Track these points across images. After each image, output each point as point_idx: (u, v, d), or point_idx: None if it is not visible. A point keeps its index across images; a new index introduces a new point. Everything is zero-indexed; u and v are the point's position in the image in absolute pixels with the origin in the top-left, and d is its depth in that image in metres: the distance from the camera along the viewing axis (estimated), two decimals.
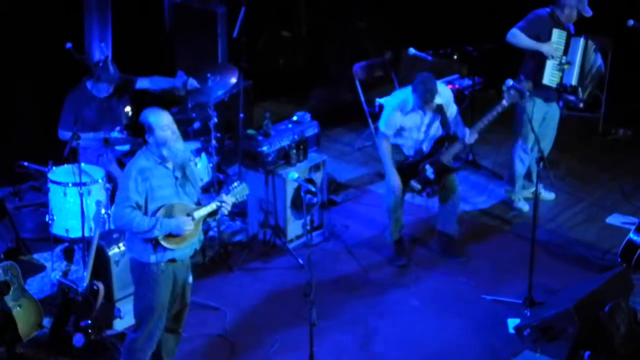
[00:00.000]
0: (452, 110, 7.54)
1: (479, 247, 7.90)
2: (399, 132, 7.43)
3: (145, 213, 5.62)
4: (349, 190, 8.74)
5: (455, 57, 9.34)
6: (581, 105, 8.33)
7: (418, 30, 10.04)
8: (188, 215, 5.66)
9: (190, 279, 6.02)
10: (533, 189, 7.95)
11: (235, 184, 5.88)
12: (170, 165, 5.70)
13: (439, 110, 7.42)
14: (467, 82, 9.39)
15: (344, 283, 7.37)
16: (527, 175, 8.46)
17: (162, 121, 5.65)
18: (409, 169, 7.50)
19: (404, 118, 7.36)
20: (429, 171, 7.46)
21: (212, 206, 5.75)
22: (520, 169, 8.34)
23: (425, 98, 7.21)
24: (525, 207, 8.43)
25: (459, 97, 9.33)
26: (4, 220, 7.85)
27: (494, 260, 7.67)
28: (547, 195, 8.61)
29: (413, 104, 7.30)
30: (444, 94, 7.45)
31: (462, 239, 7.84)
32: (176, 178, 5.71)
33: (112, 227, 6.70)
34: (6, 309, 6.13)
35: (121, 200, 5.61)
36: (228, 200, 5.77)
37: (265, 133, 7.78)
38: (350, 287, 7.33)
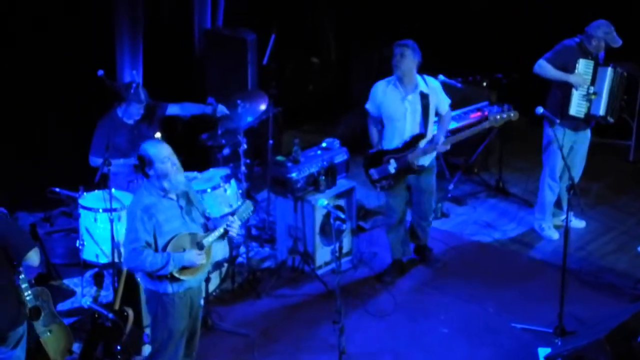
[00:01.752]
0: (442, 106, 7.46)
1: (509, 275, 7.84)
2: (386, 118, 7.42)
3: (156, 249, 5.62)
4: (378, 217, 8.72)
5: (484, 84, 9.32)
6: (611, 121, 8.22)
7: (447, 57, 10.03)
8: (198, 243, 5.67)
9: (202, 302, 6.03)
10: (563, 217, 7.93)
11: (239, 202, 5.90)
12: (173, 195, 5.69)
13: (424, 100, 7.29)
14: (496, 109, 9.35)
15: (372, 310, 7.35)
16: (557, 203, 8.41)
17: (162, 153, 5.62)
18: (375, 156, 7.49)
19: (385, 92, 7.37)
20: (392, 165, 7.40)
21: (220, 230, 5.77)
22: (549, 197, 8.29)
23: (395, 60, 7.21)
24: (555, 235, 8.37)
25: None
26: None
27: (524, 289, 7.61)
28: (578, 223, 8.54)
29: (393, 77, 7.34)
30: (430, 84, 7.37)
31: (466, 258, 7.91)
32: (181, 207, 5.71)
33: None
34: (36, 334, 6.15)
35: (130, 242, 5.60)
36: (235, 220, 5.78)
37: (295, 159, 7.80)
38: (379, 314, 7.30)
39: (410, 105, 7.32)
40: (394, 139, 7.41)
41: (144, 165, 5.62)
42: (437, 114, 7.51)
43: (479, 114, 9.32)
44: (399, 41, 7.29)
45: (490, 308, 7.35)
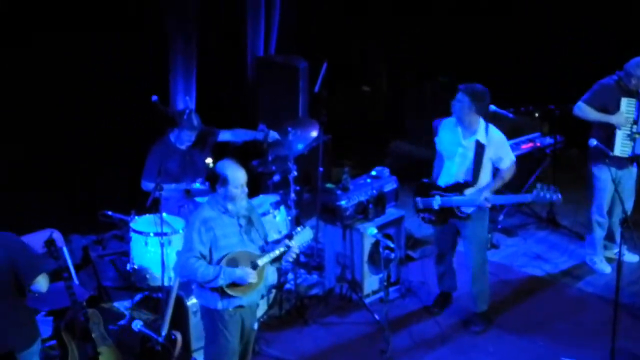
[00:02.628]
0: (502, 162, 7.14)
1: (559, 308, 7.75)
2: (441, 154, 7.29)
3: (210, 262, 5.68)
4: (427, 246, 8.68)
5: (536, 114, 9.26)
6: None
7: (499, 87, 9.99)
8: (252, 262, 5.70)
9: (256, 325, 6.06)
10: (616, 250, 7.82)
11: (299, 228, 5.92)
12: (233, 209, 5.76)
13: (479, 149, 7.07)
14: (548, 140, 9.30)
15: (420, 341, 7.29)
16: (609, 236, 8.30)
17: (239, 180, 5.73)
18: (426, 187, 7.31)
19: (446, 129, 7.23)
20: (436, 201, 7.21)
21: (276, 252, 5.80)
22: (598, 232, 8.20)
23: (452, 102, 7.05)
24: (607, 268, 8.26)
25: (540, 155, 9.26)
26: (87, 267, 8.01)
27: (575, 323, 7.51)
28: (631, 257, 8.41)
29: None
30: (492, 136, 7.11)
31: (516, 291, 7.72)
32: (240, 226, 5.78)
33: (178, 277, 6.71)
34: (90, 354, 6.20)
35: (185, 251, 5.72)
36: (293, 244, 5.80)
37: (344, 187, 7.80)
38: (427, 345, 7.24)
39: (463, 149, 7.14)
40: (444, 177, 7.30)
41: (216, 181, 5.73)
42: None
43: (530, 144, 9.26)
44: (462, 84, 7.08)
45: (540, 341, 7.25)
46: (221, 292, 5.70)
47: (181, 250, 5.82)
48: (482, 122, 7.11)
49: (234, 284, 5.69)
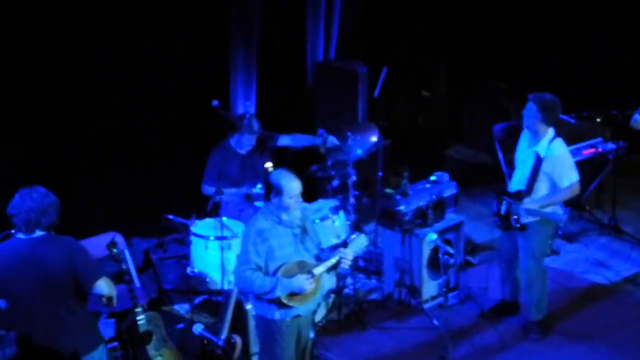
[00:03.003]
0: (560, 180, 6.97)
1: (621, 316, 7.64)
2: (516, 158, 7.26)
3: (266, 272, 5.68)
4: (486, 252, 8.63)
5: (598, 120, 9.16)
6: None
7: (561, 92, 9.90)
8: (308, 272, 5.71)
9: (312, 334, 6.05)
10: None
11: (354, 235, 5.91)
12: (287, 219, 5.76)
13: (537, 162, 6.97)
14: (610, 145, 9.18)
15: (479, 347, 7.24)
16: None
17: (294, 190, 5.70)
18: (502, 191, 7.25)
19: (522, 137, 7.21)
20: (504, 206, 7.14)
21: (332, 261, 5.78)
22: None
23: (523, 112, 7.00)
24: None
25: (601, 161, 9.15)
26: (148, 270, 8.11)
27: (637, 331, 7.40)
28: None
29: None
30: (552, 151, 6.97)
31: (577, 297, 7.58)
32: (295, 235, 5.77)
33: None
34: (151, 356, 6.29)
35: (241, 263, 5.69)
36: (348, 253, 5.80)
37: (403, 192, 7.80)
38: (486, 351, 7.20)
39: (525, 157, 7.12)
40: (512, 183, 7.27)
41: (271, 190, 5.70)
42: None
43: (592, 150, 9.15)
44: (532, 93, 7.01)
45: (601, 349, 7.16)
46: (278, 303, 5.69)
47: (237, 262, 5.80)
48: (550, 133, 7.03)
49: (291, 294, 5.69)
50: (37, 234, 5.40)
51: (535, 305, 7.35)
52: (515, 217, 7.05)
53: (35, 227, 5.38)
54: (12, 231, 5.48)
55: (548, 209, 7.00)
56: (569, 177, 7.00)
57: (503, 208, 7.16)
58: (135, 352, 6.26)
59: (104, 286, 5.53)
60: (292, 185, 5.70)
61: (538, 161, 6.97)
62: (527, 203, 7.01)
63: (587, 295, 8.03)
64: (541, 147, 6.99)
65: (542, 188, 7.03)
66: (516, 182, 7.19)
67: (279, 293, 5.63)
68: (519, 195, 7.06)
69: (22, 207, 5.35)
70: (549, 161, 6.97)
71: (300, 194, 5.77)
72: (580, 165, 8.98)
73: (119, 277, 6.41)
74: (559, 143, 7.04)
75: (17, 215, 5.35)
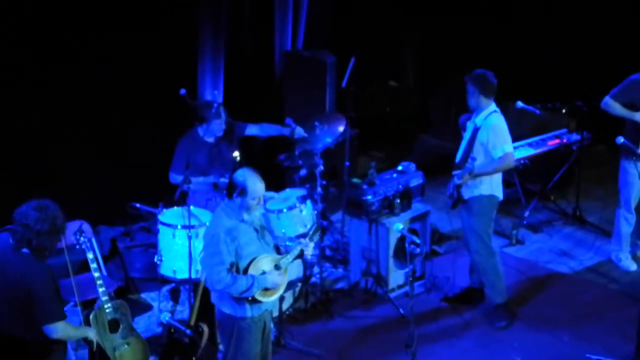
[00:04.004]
0: (492, 151, 7.07)
1: (584, 305, 7.75)
2: None
3: (237, 271, 5.69)
4: (452, 241, 8.70)
5: (563, 111, 9.24)
6: None
7: (525, 83, 9.99)
8: (275, 265, 5.74)
9: (271, 325, 6.09)
10: None
11: (309, 225, 5.93)
12: (248, 219, 5.76)
13: (474, 132, 7.13)
14: (575, 136, 9.28)
15: (445, 335, 7.32)
16: (638, 234, 8.27)
17: (258, 191, 5.68)
18: (455, 167, 7.34)
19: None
20: (451, 182, 7.29)
21: (295, 252, 5.83)
22: (625, 228, 8.17)
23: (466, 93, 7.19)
24: (633, 266, 8.25)
25: (566, 152, 9.25)
26: (114, 259, 8.09)
27: (600, 319, 7.51)
28: None
29: None
30: (488, 121, 7.08)
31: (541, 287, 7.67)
32: (256, 231, 5.78)
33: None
34: (117, 345, 6.27)
35: (216, 264, 5.63)
36: (308, 243, 5.85)
37: (370, 182, 7.84)
38: (451, 339, 7.28)
39: (467, 131, 7.30)
40: (456, 157, 7.39)
41: (234, 189, 5.66)
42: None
43: (557, 141, 9.25)
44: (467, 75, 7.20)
45: (564, 337, 7.26)
46: (250, 300, 5.70)
47: (210, 265, 5.71)
48: (491, 107, 7.16)
49: (264, 290, 5.71)
50: (23, 250, 5.37)
51: (491, 288, 7.45)
52: (452, 191, 7.19)
53: (25, 246, 5.34)
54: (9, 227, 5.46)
55: (485, 178, 7.10)
56: (502, 148, 7.07)
57: (450, 186, 7.27)
58: (102, 340, 6.25)
59: (58, 330, 5.44)
60: (256, 187, 5.68)
61: (474, 131, 7.12)
62: (457, 173, 7.14)
63: (551, 284, 8.13)
64: (479, 118, 7.14)
65: (479, 160, 7.11)
66: (458, 157, 7.31)
67: (255, 291, 5.64)
68: (456, 167, 7.20)
69: (22, 221, 5.30)
70: (484, 130, 7.07)
71: (263, 195, 5.76)
72: (545, 156, 9.14)
73: (86, 265, 6.41)
74: (497, 115, 7.16)
75: (15, 225, 5.31)
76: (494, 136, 7.07)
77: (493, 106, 7.18)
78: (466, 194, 7.23)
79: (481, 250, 7.32)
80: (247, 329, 5.76)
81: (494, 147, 7.07)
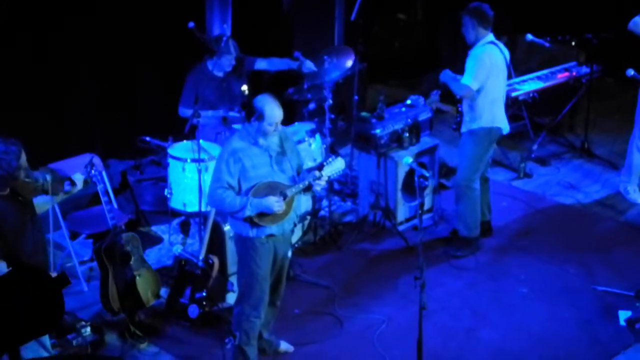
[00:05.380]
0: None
1: (591, 237, 7.80)
2: None
3: (239, 192, 5.75)
4: None
5: (573, 43, 9.18)
6: None
7: (535, 15, 9.91)
8: (281, 193, 5.78)
9: (290, 253, 6.16)
10: None
11: (330, 159, 5.96)
12: (264, 143, 5.81)
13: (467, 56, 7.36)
14: (584, 69, 9.24)
15: (452, 268, 7.40)
16: None
17: (275, 117, 5.73)
18: None
19: None
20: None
21: (305, 183, 5.85)
22: (637, 159, 8.17)
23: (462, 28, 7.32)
24: None
25: (575, 85, 9.22)
26: (125, 192, 8.16)
27: (606, 252, 7.56)
28: None
29: None
30: (472, 51, 7.22)
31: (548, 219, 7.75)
32: (270, 156, 5.82)
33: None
34: (129, 276, 6.38)
35: (213, 181, 5.79)
36: (322, 175, 5.87)
37: (379, 116, 7.83)
38: (459, 271, 7.35)
39: None
40: None
41: (253, 113, 5.74)
42: None
43: (566, 74, 9.22)
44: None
45: (571, 269, 7.33)
46: (251, 222, 5.78)
47: (211, 180, 5.87)
48: (487, 37, 7.18)
49: (262, 214, 5.76)
50: None
51: (461, 220, 7.53)
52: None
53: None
54: None
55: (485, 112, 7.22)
56: (467, 79, 7.15)
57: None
58: (114, 271, 6.34)
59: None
60: (274, 112, 5.73)
61: (466, 56, 7.21)
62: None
63: (558, 217, 8.18)
64: (474, 48, 7.19)
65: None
66: None
67: (248, 212, 5.71)
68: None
69: None
70: (469, 57, 7.19)
71: (280, 122, 5.79)
72: (554, 89, 9.12)
73: (97, 198, 6.47)
74: (488, 47, 7.17)
75: None
76: (470, 64, 7.16)
77: (490, 37, 7.20)
78: (465, 127, 7.33)
79: (462, 181, 7.42)
80: (252, 247, 5.85)
81: (465, 72, 7.18)
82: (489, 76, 7.13)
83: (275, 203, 5.72)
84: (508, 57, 7.30)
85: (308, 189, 5.91)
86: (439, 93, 7.51)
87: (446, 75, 7.31)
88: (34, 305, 5.23)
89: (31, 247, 5.47)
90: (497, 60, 7.17)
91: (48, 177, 5.76)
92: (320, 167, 5.94)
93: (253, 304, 5.96)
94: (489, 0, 7.30)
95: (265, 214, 5.76)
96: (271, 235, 5.88)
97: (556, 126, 9.48)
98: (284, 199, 5.77)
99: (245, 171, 5.73)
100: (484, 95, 7.16)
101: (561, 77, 9.17)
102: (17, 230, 5.42)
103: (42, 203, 5.73)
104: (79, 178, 5.89)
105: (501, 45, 7.23)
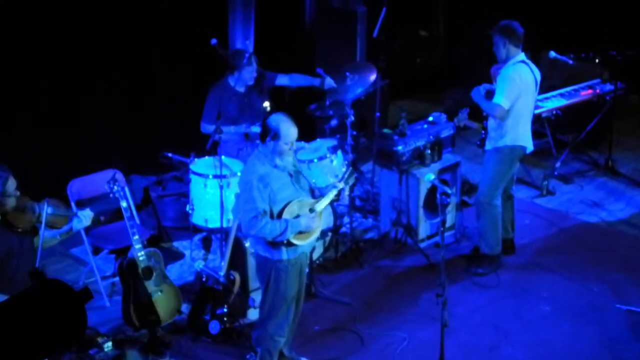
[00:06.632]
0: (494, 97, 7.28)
1: (615, 256, 7.74)
2: None
3: (271, 216, 5.74)
4: None
5: (597, 60, 9.14)
6: None
7: (559, 33, 9.88)
8: (310, 209, 5.78)
9: (307, 269, 6.17)
10: None
11: (343, 169, 5.97)
12: (280, 164, 5.80)
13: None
14: (608, 87, 9.20)
15: (475, 285, 7.36)
16: None
17: (290, 136, 5.73)
18: None
19: None
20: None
21: (330, 196, 5.88)
22: None
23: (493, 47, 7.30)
24: None
25: (599, 102, 9.17)
26: (147, 208, 8.18)
27: (631, 270, 7.49)
28: None
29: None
30: (508, 68, 7.15)
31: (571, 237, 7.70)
32: (290, 176, 5.83)
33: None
34: (151, 292, 6.39)
35: (249, 211, 5.70)
36: (341, 186, 5.91)
37: (401, 132, 7.83)
38: (481, 288, 7.31)
39: None
40: None
41: (268, 134, 5.72)
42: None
43: (590, 91, 9.17)
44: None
45: (594, 288, 7.27)
46: (286, 244, 5.76)
47: (243, 210, 5.77)
48: (519, 57, 7.15)
49: (298, 233, 5.76)
50: None
51: (483, 237, 7.49)
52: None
53: None
54: None
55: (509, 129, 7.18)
56: (499, 98, 7.11)
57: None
58: (135, 287, 6.35)
59: None
60: (289, 131, 5.72)
61: (489, 72, 7.26)
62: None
63: (581, 235, 8.12)
64: (505, 67, 7.17)
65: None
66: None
67: (289, 234, 5.69)
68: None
69: None
70: (499, 76, 7.16)
71: (295, 141, 5.79)
72: (578, 107, 9.08)
73: (120, 214, 6.49)
74: (518, 67, 7.14)
75: None
76: (501, 83, 7.13)
77: (521, 56, 7.16)
78: (489, 144, 7.30)
79: (483, 198, 7.39)
80: (284, 270, 5.84)
81: (497, 92, 7.14)
82: (519, 96, 7.10)
83: (312, 220, 5.75)
84: (539, 77, 7.26)
85: (336, 199, 5.94)
86: (467, 111, 7.47)
87: (477, 94, 7.27)
88: (58, 320, 5.25)
89: (18, 277, 5.47)
90: (527, 80, 7.15)
91: (50, 210, 5.79)
92: (340, 180, 5.98)
93: (279, 324, 5.97)
94: (512, 16, 7.29)
95: (301, 233, 5.76)
96: (302, 253, 5.89)
97: (579, 144, 9.42)
98: (315, 214, 5.78)
99: (274, 194, 5.72)
100: (512, 114, 7.14)
101: (585, 94, 9.13)
102: (2, 258, 5.42)
103: (49, 238, 5.74)
104: (87, 215, 5.92)
105: (532, 65, 7.20)
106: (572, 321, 6.87)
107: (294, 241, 5.75)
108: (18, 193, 5.64)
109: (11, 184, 5.54)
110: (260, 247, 5.87)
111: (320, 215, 5.86)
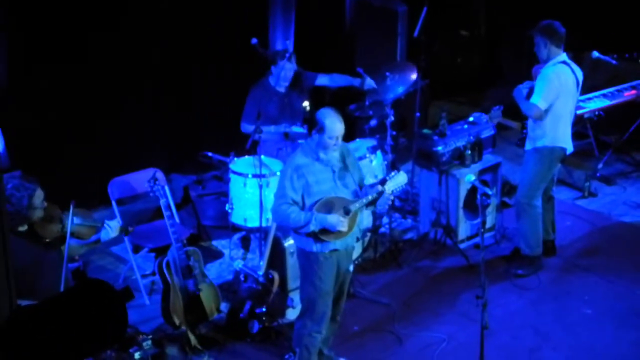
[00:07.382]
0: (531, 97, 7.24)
1: None
2: None
3: (303, 207, 5.75)
4: None
5: None
6: None
7: (602, 33, 9.77)
8: (345, 208, 5.76)
9: (351, 267, 6.14)
10: None
11: (393, 173, 5.94)
12: (324, 158, 5.80)
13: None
14: None
15: (515, 286, 7.30)
16: None
17: (336, 131, 5.74)
18: None
19: None
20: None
21: (369, 198, 5.83)
22: None
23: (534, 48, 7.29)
24: None
25: None
26: (187, 206, 8.22)
27: None
28: None
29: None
30: (547, 68, 7.11)
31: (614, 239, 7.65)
32: (333, 171, 5.82)
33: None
34: (191, 291, 6.42)
35: (278, 197, 5.79)
36: (386, 190, 5.85)
37: (441, 133, 7.79)
38: (521, 290, 7.25)
39: None
40: None
41: (314, 126, 5.78)
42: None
43: (633, 92, 9.06)
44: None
45: (637, 291, 7.18)
46: (315, 237, 5.78)
47: (275, 196, 5.89)
48: (560, 57, 7.09)
49: (325, 230, 5.76)
50: None
51: (523, 238, 7.42)
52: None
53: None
54: None
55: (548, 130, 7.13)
56: (536, 98, 7.07)
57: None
58: (175, 285, 6.38)
59: None
60: (335, 126, 5.74)
61: (530, 71, 7.23)
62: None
63: (623, 237, 8.04)
64: (545, 67, 7.13)
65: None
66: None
67: (312, 227, 5.71)
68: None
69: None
70: (539, 76, 7.12)
71: (341, 136, 5.79)
72: (621, 108, 8.97)
73: (160, 212, 6.53)
74: (558, 67, 7.09)
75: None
76: (540, 83, 7.09)
77: (562, 56, 7.10)
78: (529, 144, 7.26)
79: (523, 198, 7.34)
80: (316, 262, 5.85)
81: (535, 92, 7.10)
82: (558, 96, 7.04)
83: (339, 222, 5.72)
84: (581, 77, 7.18)
85: (371, 203, 5.89)
86: (501, 108, 7.45)
87: (519, 93, 7.22)
88: (100, 319, 5.28)
89: (44, 286, 5.51)
90: (568, 81, 7.08)
91: (77, 220, 5.82)
92: (383, 182, 5.92)
93: (316, 319, 5.96)
94: (554, 16, 7.22)
95: (328, 231, 5.75)
96: (335, 250, 5.87)
97: (622, 144, 9.31)
98: (348, 213, 5.76)
99: (308, 187, 5.74)
100: (551, 115, 7.08)
101: (628, 95, 9.02)
102: (27, 267, 5.45)
103: (75, 246, 5.77)
104: (114, 225, 5.94)
105: (574, 65, 7.13)
106: (614, 325, 6.79)
107: (322, 237, 5.76)
108: (45, 204, 5.66)
109: (38, 196, 5.55)
110: (295, 237, 5.95)
111: (355, 217, 5.83)
